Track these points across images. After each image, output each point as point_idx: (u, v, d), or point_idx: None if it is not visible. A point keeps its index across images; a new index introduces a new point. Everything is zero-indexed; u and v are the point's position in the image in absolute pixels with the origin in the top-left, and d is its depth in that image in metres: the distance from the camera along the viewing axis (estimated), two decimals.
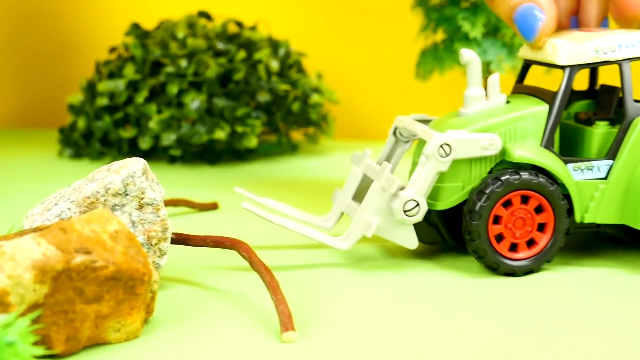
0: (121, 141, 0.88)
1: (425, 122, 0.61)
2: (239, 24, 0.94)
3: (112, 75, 0.90)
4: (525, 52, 0.59)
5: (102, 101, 0.88)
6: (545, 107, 0.56)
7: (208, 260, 0.58)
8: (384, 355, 0.44)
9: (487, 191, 0.54)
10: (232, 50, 0.89)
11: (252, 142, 0.87)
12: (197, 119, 0.86)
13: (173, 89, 0.86)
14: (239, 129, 0.87)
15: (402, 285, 0.54)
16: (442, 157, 0.54)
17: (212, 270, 0.56)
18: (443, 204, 0.56)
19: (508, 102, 0.57)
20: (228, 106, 0.87)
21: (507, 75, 0.83)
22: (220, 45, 0.90)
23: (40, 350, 0.40)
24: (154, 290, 0.47)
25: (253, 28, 0.94)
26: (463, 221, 0.55)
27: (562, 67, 0.56)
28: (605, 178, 0.56)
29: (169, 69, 0.87)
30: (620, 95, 0.59)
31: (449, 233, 0.58)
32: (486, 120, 0.56)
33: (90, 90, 0.91)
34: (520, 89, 0.60)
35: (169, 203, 0.69)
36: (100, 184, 0.50)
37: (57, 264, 0.42)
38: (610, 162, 0.56)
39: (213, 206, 0.72)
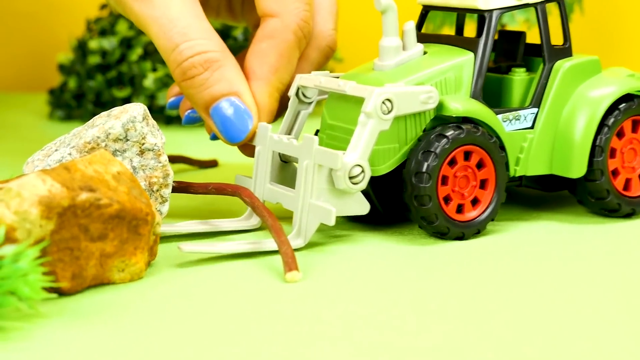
0: (115, 101, 0.93)
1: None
2: None
3: (103, 33, 0.95)
4: None
5: (94, 60, 0.93)
6: (471, 55, 0.59)
7: (209, 209, 0.64)
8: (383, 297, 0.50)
9: (433, 149, 0.56)
10: None
11: None
12: None
13: None
14: None
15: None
16: (384, 114, 0.55)
17: (214, 218, 0.62)
18: (383, 168, 0.57)
19: (425, 52, 0.59)
20: None
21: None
22: None
23: (49, 283, 0.45)
24: (157, 233, 0.52)
25: None
26: (407, 187, 0.56)
27: (484, 12, 0.59)
28: (532, 127, 0.60)
29: None
30: (526, 40, 0.62)
31: (378, 201, 0.59)
32: (414, 72, 0.57)
33: (81, 49, 0.96)
34: (424, 37, 0.62)
35: None
36: (100, 129, 0.56)
37: (62, 200, 0.47)
38: (535, 110, 0.60)
39: (212, 163, 0.77)
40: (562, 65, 0.60)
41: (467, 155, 0.57)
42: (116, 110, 0.57)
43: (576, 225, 0.61)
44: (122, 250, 0.50)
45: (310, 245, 0.57)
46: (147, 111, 0.57)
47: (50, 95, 0.98)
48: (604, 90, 0.60)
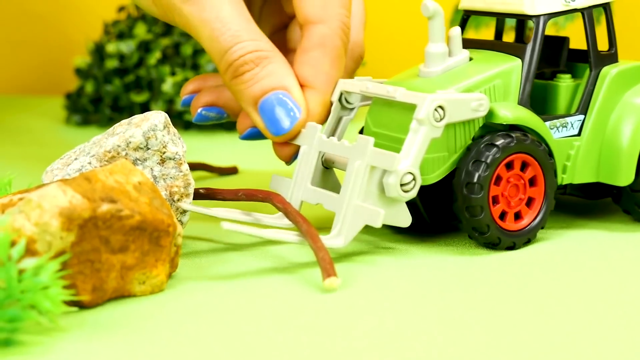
0: (133, 106, 0.94)
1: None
2: None
3: (121, 36, 0.95)
4: (471, 2, 0.62)
5: (112, 63, 0.94)
6: (518, 62, 0.58)
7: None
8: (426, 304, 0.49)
9: (483, 159, 0.55)
10: None
11: None
12: None
13: (188, 50, 0.91)
14: None
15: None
16: (437, 121, 0.55)
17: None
18: (432, 177, 0.56)
19: (471, 58, 0.59)
20: None
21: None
22: None
23: (69, 296, 0.45)
24: (178, 245, 0.52)
25: None
26: (458, 197, 0.56)
27: (531, 17, 0.58)
28: (579, 134, 0.60)
29: None
30: (569, 45, 0.63)
31: (425, 210, 0.59)
32: (462, 79, 0.57)
33: (98, 52, 0.96)
34: (467, 43, 0.60)
35: None
36: (121, 138, 0.56)
37: (83, 211, 0.47)
38: (581, 117, 0.60)
39: (233, 170, 0.77)
40: (609, 72, 0.60)
41: (523, 167, 0.57)
42: (137, 118, 0.57)
43: (624, 234, 0.61)
44: (143, 262, 0.50)
45: (352, 254, 0.57)
46: (168, 119, 0.57)
47: (67, 99, 0.98)
48: None
